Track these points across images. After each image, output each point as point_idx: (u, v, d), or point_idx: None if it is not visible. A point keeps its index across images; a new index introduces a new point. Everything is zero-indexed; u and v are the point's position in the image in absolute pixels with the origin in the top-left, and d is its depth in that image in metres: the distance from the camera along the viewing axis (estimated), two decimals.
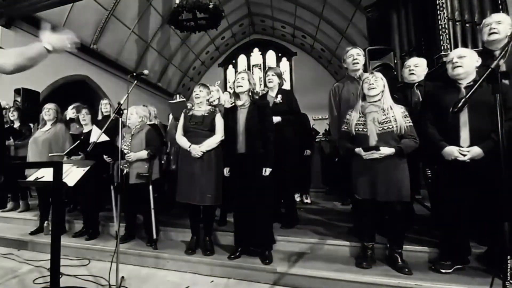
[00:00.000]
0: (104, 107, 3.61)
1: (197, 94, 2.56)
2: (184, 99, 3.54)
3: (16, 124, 3.91)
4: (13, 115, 3.91)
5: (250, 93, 2.43)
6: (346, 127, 2.22)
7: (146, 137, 2.78)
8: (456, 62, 1.91)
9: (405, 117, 2.04)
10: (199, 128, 2.48)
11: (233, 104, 2.56)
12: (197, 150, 2.41)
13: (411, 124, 2.04)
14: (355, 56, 2.53)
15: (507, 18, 2.11)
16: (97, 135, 2.39)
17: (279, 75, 2.98)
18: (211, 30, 8.06)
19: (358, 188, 2.10)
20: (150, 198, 2.65)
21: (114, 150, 2.49)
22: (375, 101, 2.09)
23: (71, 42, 1.31)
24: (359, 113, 2.15)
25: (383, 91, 2.08)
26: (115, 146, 2.53)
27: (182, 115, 2.62)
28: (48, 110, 3.22)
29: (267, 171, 2.29)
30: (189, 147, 2.43)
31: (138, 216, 2.94)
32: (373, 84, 2.08)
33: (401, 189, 1.97)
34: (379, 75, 2.13)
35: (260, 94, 2.74)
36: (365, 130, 2.08)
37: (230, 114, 2.50)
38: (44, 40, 1.25)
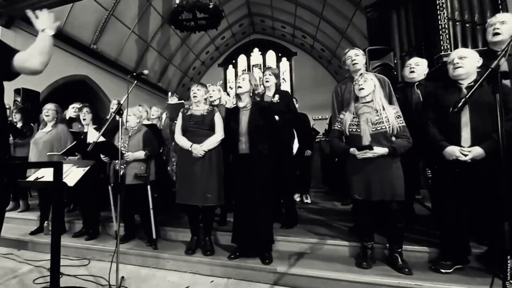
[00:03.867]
0: (112, 107, 3.64)
1: (194, 93, 2.55)
2: (183, 101, 3.54)
3: (19, 125, 3.91)
4: (15, 117, 3.92)
5: (251, 94, 2.43)
6: (339, 126, 2.23)
7: (144, 138, 2.79)
8: (457, 63, 1.91)
9: (397, 118, 2.05)
10: (199, 127, 2.48)
11: (235, 105, 2.55)
12: (199, 149, 2.40)
13: (404, 124, 2.05)
14: (353, 57, 2.52)
15: (511, 18, 2.09)
16: (95, 136, 2.39)
17: (276, 75, 2.96)
18: (211, 30, 8.06)
19: (353, 188, 2.10)
20: (149, 198, 2.65)
21: (114, 149, 2.49)
22: (368, 102, 2.10)
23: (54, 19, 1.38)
24: (353, 114, 2.16)
25: (374, 91, 2.09)
26: (115, 146, 2.53)
27: (180, 114, 2.60)
28: (48, 111, 3.21)
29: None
30: (191, 146, 2.43)
31: (137, 217, 2.93)
32: (362, 85, 2.10)
33: (395, 188, 1.97)
34: (369, 76, 2.13)
35: (260, 93, 2.73)
36: (358, 130, 2.09)
37: (232, 115, 2.50)
38: (43, 27, 1.32)
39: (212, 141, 2.45)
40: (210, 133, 2.48)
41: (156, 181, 2.85)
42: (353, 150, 2.05)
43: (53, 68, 6.44)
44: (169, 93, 4.06)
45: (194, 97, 2.56)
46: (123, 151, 2.69)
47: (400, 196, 1.99)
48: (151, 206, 2.64)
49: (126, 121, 2.89)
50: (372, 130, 2.04)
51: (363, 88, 2.09)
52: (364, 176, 2.04)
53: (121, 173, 2.70)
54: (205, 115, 2.52)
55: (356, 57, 2.52)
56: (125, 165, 2.71)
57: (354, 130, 2.11)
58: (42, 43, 1.30)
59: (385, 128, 2.01)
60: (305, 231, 2.74)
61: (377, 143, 2.00)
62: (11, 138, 3.63)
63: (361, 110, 2.11)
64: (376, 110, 2.06)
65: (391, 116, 2.03)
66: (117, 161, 2.72)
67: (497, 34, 2.06)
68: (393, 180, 1.98)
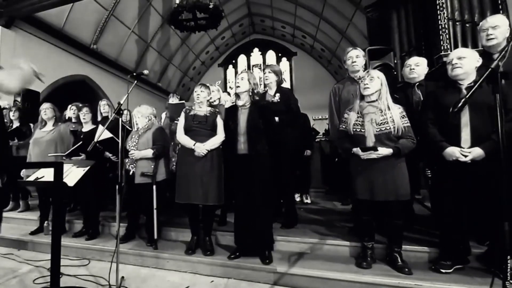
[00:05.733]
0: (103, 108, 3.60)
1: (198, 94, 2.57)
2: (184, 101, 3.55)
3: (16, 124, 3.92)
4: (13, 116, 3.92)
5: (250, 93, 2.43)
6: (344, 126, 2.22)
7: (153, 136, 2.77)
8: (456, 63, 1.91)
9: (402, 118, 2.03)
10: (202, 127, 2.49)
11: (234, 104, 2.55)
12: (202, 148, 2.40)
13: (408, 124, 2.03)
14: (354, 58, 2.53)
15: (504, 20, 2.09)
16: (100, 134, 2.39)
17: (277, 73, 2.90)
18: (211, 30, 8.05)
19: (356, 188, 2.10)
20: (154, 198, 2.64)
21: (116, 145, 2.49)
22: (373, 101, 2.09)
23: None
24: (357, 113, 2.15)
25: (379, 90, 2.07)
26: (117, 141, 2.52)
27: (183, 114, 2.61)
28: (45, 110, 3.22)
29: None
30: (194, 145, 2.43)
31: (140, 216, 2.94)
32: (367, 84, 2.08)
33: (399, 189, 1.97)
34: (375, 74, 2.10)
35: (260, 92, 2.71)
36: (362, 130, 2.08)
37: (230, 115, 2.50)
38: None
39: (215, 142, 2.47)
40: (212, 133, 2.50)
41: (168, 180, 2.83)
42: (356, 150, 2.04)
43: (53, 68, 6.47)
44: (170, 94, 4.04)
45: (197, 97, 2.57)
46: (130, 149, 2.69)
47: (405, 196, 1.99)
48: (155, 206, 2.64)
49: (135, 123, 2.90)
50: (377, 131, 2.02)
51: (368, 87, 2.07)
52: (368, 176, 2.03)
53: (131, 173, 2.71)
54: (208, 116, 2.54)
55: (357, 58, 2.53)
56: (135, 164, 2.71)
57: (358, 130, 2.10)
58: (25, 72, 1.39)
59: (390, 128, 2.00)
60: (305, 231, 2.74)
61: (381, 143, 1.99)
62: (16, 141, 3.66)
63: (366, 110, 2.09)
64: (381, 110, 2.04)
65: (396, 116, 2.01)
66: (127, 160, 2.72)
67: (491, 39, 2.06)
68: (397, 180, 1.98)
